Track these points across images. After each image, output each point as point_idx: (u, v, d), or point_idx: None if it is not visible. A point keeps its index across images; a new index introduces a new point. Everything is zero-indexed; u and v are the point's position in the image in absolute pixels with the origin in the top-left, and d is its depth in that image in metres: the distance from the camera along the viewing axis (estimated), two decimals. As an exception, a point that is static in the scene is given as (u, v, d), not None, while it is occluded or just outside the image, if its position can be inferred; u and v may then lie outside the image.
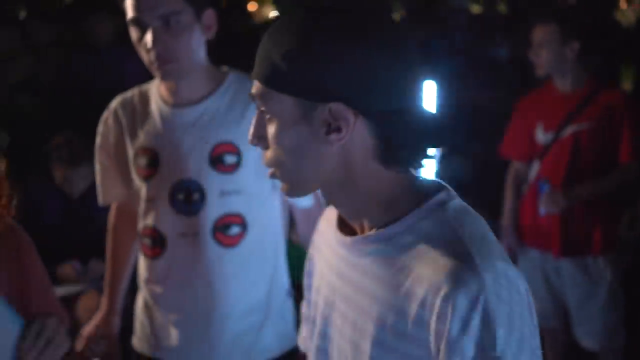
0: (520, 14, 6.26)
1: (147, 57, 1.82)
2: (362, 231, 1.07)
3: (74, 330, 3.21)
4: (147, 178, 1.93)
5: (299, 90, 0.99)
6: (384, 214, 1.04)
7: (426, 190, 1.04)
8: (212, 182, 1.88)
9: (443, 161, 3.86)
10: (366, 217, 1.06)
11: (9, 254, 1.47)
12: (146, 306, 2.02)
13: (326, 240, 1.18)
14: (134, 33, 1.83)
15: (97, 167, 2.07)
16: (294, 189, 1.07)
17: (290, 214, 2.15)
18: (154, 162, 1.91)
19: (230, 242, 1.91)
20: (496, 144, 3.40)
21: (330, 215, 1.20)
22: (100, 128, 2.04)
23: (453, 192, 1.05)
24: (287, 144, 1.02)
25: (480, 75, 5.05)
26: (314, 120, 1.00)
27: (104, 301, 2.14)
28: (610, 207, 3.15)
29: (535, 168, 3.18)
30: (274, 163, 1.06)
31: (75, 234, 3.43)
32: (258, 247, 1.94)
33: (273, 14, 5.77)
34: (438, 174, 3.56)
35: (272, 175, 1.08)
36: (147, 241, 1.96)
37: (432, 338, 0.95)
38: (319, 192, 2.09)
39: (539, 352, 0.97)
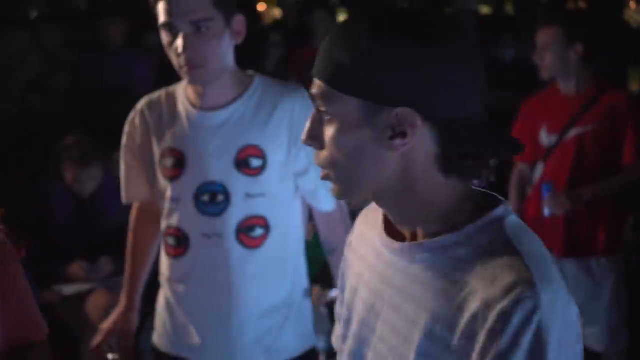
0: (527, 15, 6.27)
1: (176, 61, 1.86)
2: (413, 238, 1.05)
3: (82, 327, 3.26)
4: (172, 179, 1.96)
5: (366, 93, 0.97)
6: (438, 223, 1.02)
7: (484, 203, 1.02)
8: (238, 184, 1.91)
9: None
10: (419, 224, 1.03)
11: None
12: (168, 304, 2.05)
13: (367, 242, 1.16)
14: (165, 37, 1.87)
15: (122, 166, 2.10)
16: (346, 192, 1.05)
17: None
18: (180, 163, 1.95)
19: (253, 244, 1.95)
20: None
21: (372, 217, 1.17)
22: (126, 128, 2.07)
23: (509, 207, 1.03)
24: (347, 147, 1.00)
25: (487, 76, 5.06)
26: (378, 124, 0.98)
27: (123, 297, 2.17)
28: (614, 209, 3.15)
29: (539, 170, 3.20)
30: (328, 164, 1.03)
31: (85, 233, 3.46)
32: (280, 248, 1.98)
33: (279, 14, 5.79)
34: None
35: (325, 177, 1.05)
36: (170, 240, 2.00)
37: (476, 354, 0.94)
38: None
39: None
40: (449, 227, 1.01)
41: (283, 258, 2.00)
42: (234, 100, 1.95)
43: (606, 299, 3.14)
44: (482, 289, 0.94)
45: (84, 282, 3.41)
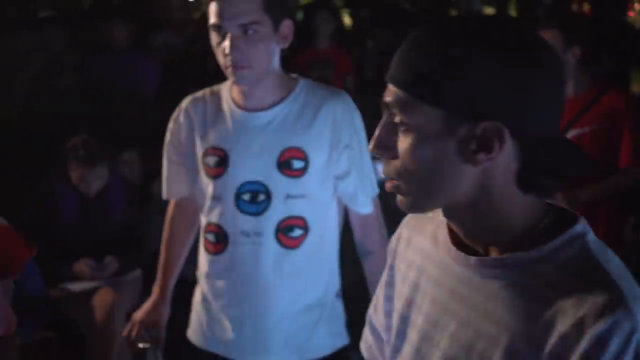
0: (529, 16, 6.28)
1: (223, 61, 1.90)
2: (486, 254, 1.01)
3: (88, 325, 3.30)
4: (214, 177, 2.00)
5: (454, 104, 0.93)
6: (514, 238, 0.98)
7: (561, 219, 0.99)
8: (279, 185, 1.95)
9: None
10: (492, 240, 1.00)
11: None
12: (204, 300, 2.09)
13: (417, 250, 1.12)
14: (213, 37, 1.91)
15: (165, 162, 2.14)
16: (418, 204, 1.00)
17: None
18: (222, 162, 1.98)
19: (291, 244, 1.99)
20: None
21: (420, 224, 1.14)
22: (170, 125, 2.11)
23: (587, 224, 0.99)
24: (425, 159, 0.95)
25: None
26: (459, 136, 0.93)
27: (156, 289, 2.20)
28: (613, 209, 3.17)
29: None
30: (401, 176, 0.98)
31: (91, 232, 3.50)
32: (317, 249, 2.02)
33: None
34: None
35: (394, 188, 1.00)
36: (210, 237, 2.04)
37: None
38: (377, 199, 2.11)
39: None
40: (526, 243, 0.97)
41: (319, 258, 2.04)
42: (278, 102, 1.98)
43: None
44: (572, 308, 0.90)
45: (89, 280, 3.44)
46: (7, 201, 3.80)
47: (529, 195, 0.97)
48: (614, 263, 0.95)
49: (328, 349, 2.08)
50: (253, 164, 1.96)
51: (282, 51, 1.99)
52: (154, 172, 3.92)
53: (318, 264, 2.04)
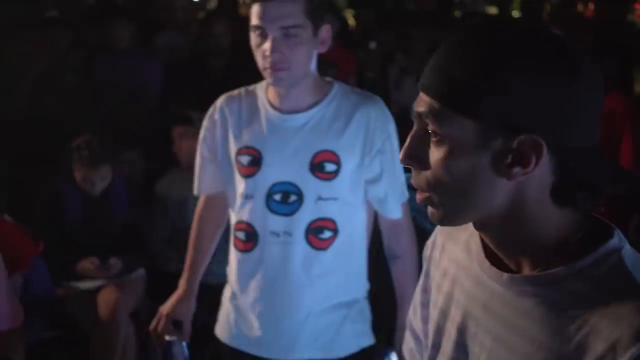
0: (532, 16, 6.29)
1: (262, 62, 1.93)
2: (519, 268, 0.98)
3: (92, 323, 3.32)
4: (247, 176, 2.02)
5: (489, 117, 0.90)
6: (548, 254, 0.95)
7: (595, 231, 0.95)
8: (311, 187, 1.98)
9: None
10: (526, 255, 0.97)
11: None
12: (233, 297, 2.12)
13: (452, 259, 1.11)
14: (254, 38, 1.93)
15: (198, 159, 2.17)
16: (450, 217, 0.97)
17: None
18: (256, 162, 2.01)
19: (321, 245, 2.01)
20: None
21: (459, 233, 1.11)
22: (205, 122, 2.14)
23: (623, 235, 0.95)
24: (459, 171, 0.93)
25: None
26: (495, 150, 0.91)
27: (182, 283, 2.22)
28: (614, 210, 3.18)
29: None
30: (431, 188, 0.96)
31: (95, 232, 3.52)
32: (345, 251, 2.05)
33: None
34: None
35: (425, 200, 0.98)
36: (240, 235, 2.07)
37: None
38: (407, 204, 2.11)
39: None
40: (560, 258, 0.94)
41: (347, 260, 2.06)
42: (313, 105, 2.01)
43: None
44: (607, 328, 0.87)
45: (94, 279, 3.45)
46: (14, 200, 3.82)
47: (564, 210, 0.94)
48: None
49: (354, 348, 2.11)
50: (286, 165, 1.99)
51: None
52: (157, 172, 3.95)
53: (346, 265, 2.06)
